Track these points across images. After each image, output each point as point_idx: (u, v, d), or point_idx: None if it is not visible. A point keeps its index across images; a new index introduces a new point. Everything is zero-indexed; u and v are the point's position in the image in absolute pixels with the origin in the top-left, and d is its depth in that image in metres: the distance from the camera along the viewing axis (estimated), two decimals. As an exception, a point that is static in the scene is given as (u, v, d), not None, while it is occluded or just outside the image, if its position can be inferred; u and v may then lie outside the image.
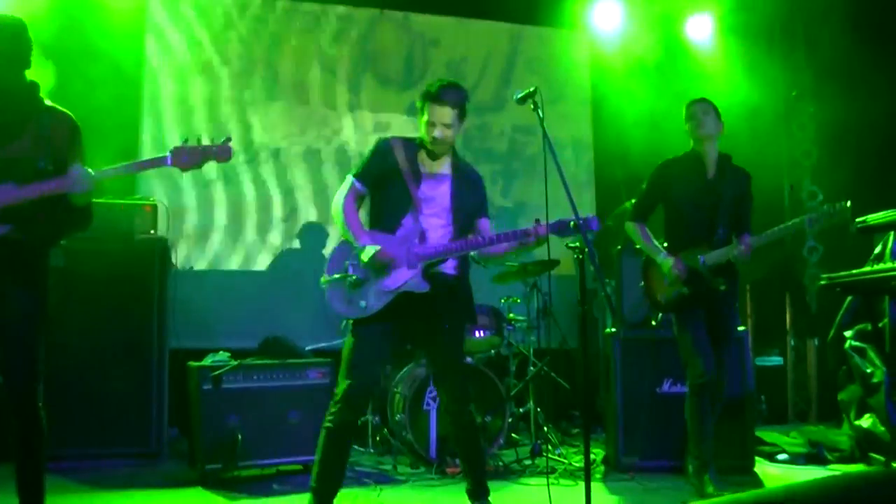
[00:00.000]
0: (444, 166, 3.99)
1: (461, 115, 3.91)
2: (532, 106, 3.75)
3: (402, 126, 7.63)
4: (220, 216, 7.34)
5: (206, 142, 3.45)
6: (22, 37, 3.51)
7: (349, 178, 3.96)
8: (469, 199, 4.01)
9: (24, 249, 3.44)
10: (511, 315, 6.33)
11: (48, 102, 3.60)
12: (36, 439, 3.51)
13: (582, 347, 3.83)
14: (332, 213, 3.98)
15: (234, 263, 7.35)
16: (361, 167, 3.97)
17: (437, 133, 3.85)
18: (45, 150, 3.42)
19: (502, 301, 6.43)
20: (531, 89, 3.78)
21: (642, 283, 4.93)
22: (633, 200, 7.73)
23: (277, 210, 7.44)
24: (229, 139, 3.49)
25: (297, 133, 7.52)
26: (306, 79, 7.68)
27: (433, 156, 3.95)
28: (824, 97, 7.95)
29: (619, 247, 5.92)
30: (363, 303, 3.81)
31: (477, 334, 5.85)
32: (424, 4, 8.06)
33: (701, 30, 8.40)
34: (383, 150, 3.96)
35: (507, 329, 6.10)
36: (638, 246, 4.92)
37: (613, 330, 5.57)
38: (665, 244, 4.82)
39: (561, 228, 3.76)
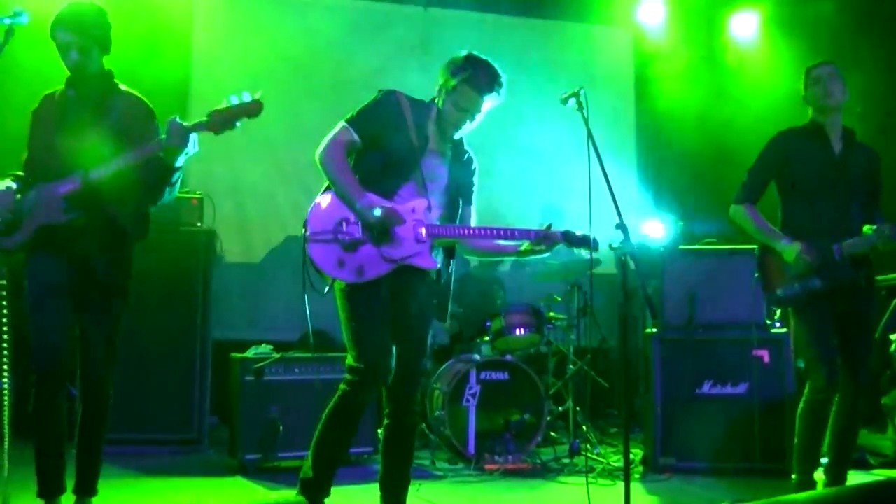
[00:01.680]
0: (447, 146, 3.60)
1: (495, 104, 3.57)
2: (576, 106, 3.73)
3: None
4: (267, 208, 7.42)
5: (235, 101, 3.37)
6: (106, 23, 3.63)
7: (343, 125, 3.45)
8: (462, 184, 3.64)
9: (111, 238, 3.58)
10: (551, 313, 6.33)
11: (123, 87, 3.72)
12: (100, 421, 3.69)
13: (622, 347, 3.82)
14: (319, 161, 3.44)
15: (277, 256, 7.43)
16: (360, 115, 3.46)
17: (469, 122, 3.50)
18: (117, 137, 3.51)
19: (543, 300, 6.43)
20: (576, 89, 3.75)
21: (757, 275, 4.33)
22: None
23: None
24: (258, 95, 3.37)
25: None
26: (351, 76, 7.73)
27: (446, 133, 3.54)
28: (872, 96, 7.81)
29: (661, 247, 5.89)
30: (360, 268, 3.35)
31: (517, 332, 5.85)
32: (469, 2, 8.07)
33: (746, 26, 8.32)
34: (391, 103, 3.48)
35: (546, 327, 6.09)
36: (750, 233, 4.33)
37: (654, 330, 5.53)
38: (781, 230, 4.23)
39: (570, 239, 3.58)
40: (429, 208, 3.45)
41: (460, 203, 3.66)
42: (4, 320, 3.98)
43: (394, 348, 3.46)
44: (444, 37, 8.05)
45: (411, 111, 3.47)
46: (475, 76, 3.41)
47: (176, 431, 5.75)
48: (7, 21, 3.32)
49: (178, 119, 3.40)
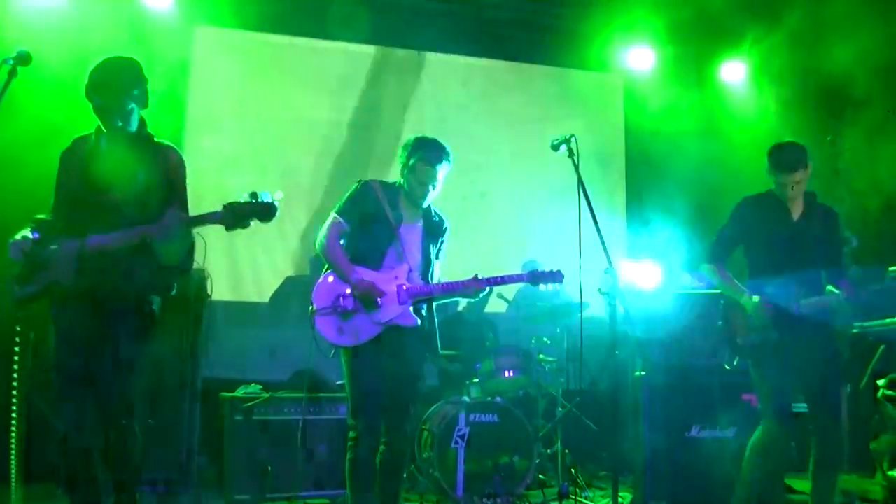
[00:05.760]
0: (419, 214, 4.21)
1: (447, 169, 4.15)
2: (567, 152, 3.80)
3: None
4: (258, 249, 7.44)
5: (250, 198, 3.33)
6: (142, 77, 3.55)
7: (333, 215, 4.11)
8: (434, 245, 4.26)
9: (124, 298, 3.46)
10: (541, 356, 6.34)
11: (157, 140, 3.64)
12: (127, 477, 3.58)
13: (611, 390, 3.84)
14: (318, 250, 4.12)
15: (268, 296, 7.45)
16: (345, 206, 4.12)
17: (430, 190, 4.10)
18: (147, 193, 3.46)
19: (532, 341, 6.45)
20: (567, 136, 3.84)
21: (720, 323, 4.59)
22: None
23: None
24: (275, 197, 3.38)
25: (333, 165, 7.64)
26: (344, 120, 7.81)
27: (416, 205, 4.16)
28: (858, 143, 7.93)
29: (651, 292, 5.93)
30: (356, 332, 3.99)
31: (506, 374, 5.87)
32: (463, 47, 8.19)
33: (734, 74, 8.47)
34: (366, 191, 4.14)
35: (536, 369, 6.10)
36: (718, 289, 4.61)
37: (643, 373, 5.55)
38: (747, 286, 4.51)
39: (533, 277, 4.12)
40: (409, 272, 4.08)
41: (433, 261, 4.23)
42: (16, 370, 3.98)
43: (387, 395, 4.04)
44: (436, 82, 8.15)
45: (385, 194, 4.13)
46: (426, 153, 4.06)
47: (164, 471, 5.69)
48: (10, 62, 3.34)
49: (175, 211, 3.35)
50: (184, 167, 3.67)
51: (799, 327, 4.25)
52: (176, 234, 3.37)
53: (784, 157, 4.32)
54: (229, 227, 3.33)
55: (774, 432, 4.29)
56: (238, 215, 3.31)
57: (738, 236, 4.53)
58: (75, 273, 3.36)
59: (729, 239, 4.56)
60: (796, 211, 4.42)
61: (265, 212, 3.34)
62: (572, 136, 3.86)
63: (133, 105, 3.53)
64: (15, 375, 4.37)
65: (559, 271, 4.13)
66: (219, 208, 3.34)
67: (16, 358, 4.37)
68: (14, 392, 4.39)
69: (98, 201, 3.42)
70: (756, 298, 4.31)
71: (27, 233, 3.48)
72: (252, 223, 3.35)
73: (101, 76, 3.47)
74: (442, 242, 4.32)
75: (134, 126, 3.58)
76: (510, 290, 7.34)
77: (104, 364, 3.45)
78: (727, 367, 5.09)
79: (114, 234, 3.35)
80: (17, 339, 4.41)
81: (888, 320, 5.62)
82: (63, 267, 3.37)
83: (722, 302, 4.59)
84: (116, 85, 3.47)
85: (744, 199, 4.54)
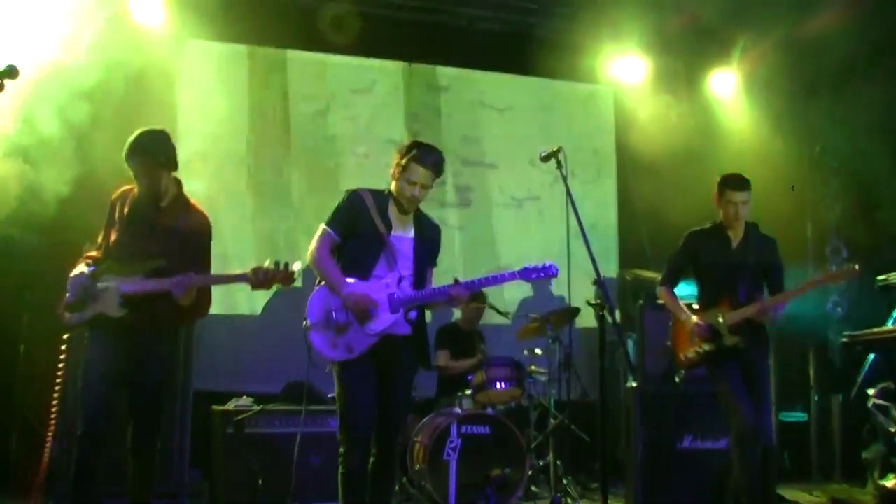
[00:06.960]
0: (409, 222, 4.18)
1: (436, 178, 4.15)
2: (556, 164, 3.83)
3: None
4: (249, 261, 7.40)
5: (273, 266, 3.97)
6: (170, 145, 4.14)
7: (323, 227, 4.10)
8: (427, 253, 4.23)
9: (150, 329, 4.07)
10: (532, 367, 6.34)
11: (190, 200, 4.23)
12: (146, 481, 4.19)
13: (601, 401, 3.86)
14: (310, 263, 4.10)
15: (259, 308, 7.44)
16: (334, 217, 4.12)
17: (415, 192, 4.06)
18: (172, 250, 4.03)
19: (524, 353, 6.45)
20: (555, 148, 3.86)
21: (669, 343, 4.99)
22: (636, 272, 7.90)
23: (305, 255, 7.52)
24: (293, 268, 3.96)
25: (322, 177, 7.65)
26: (334, 133, 7.81)
27: (402, 210, 4.12)
28: (847, 152, 7.98)
29: (641, 301, 5.95)
30: (349, 346, 3.96)
31: (498, 386, 5.87)
32: (453, 58, 8.22)
33: (724, 85, 8.50)
34: (355, 201, 4.12)
35: (527, 381, 6.11)
36: (667, 308, 5.02)
37: (634, 384, 5.57)
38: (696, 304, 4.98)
39: (525, 273, 4.02)
40: (399, 281, 4.04)
41: (427, 268, 4.21)
42: (58, 385, 4.81)
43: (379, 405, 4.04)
44: (425, 93, 8.16)
45: (374, 202, 4.10)
46: (420, 154, 4.03)
47: (156, 484, 5.67)
48: None
49: (192, 275, 3.92)
50: (210, 230, 4.26)
51: (724, 338, 4.71)
52: (191, 293, 3.99)
53: (735, 178, 4.86)
54: (254, 287, 3.97)
55: (745, 420, 4.58)
56: (263, 279, 3.92)
57: (685, 264, 5.05)
58: (118, 306, 3.97)
59: (677, 267, 5.08)
60: (735, 240, 4.89)
61: (286, 279, 3.94)
62: (560, 148, 3.89)
63: (160, 168, 4.09)
64: (57, 388, 5.02)
65: (551, 265, 4.02)
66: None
67: (59, 372, 5.03)
68: (55, 406, 5.04)
69: (142, 249, 4.03)
70: (692, 318, 4.79)
71: (84, 268, 4.10)
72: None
73: (133, 143, 4.05)
74: (436, 249, 4.30)
75: (163, 186, 4.12)
76: (507, 303, 7.34)
77: (141, 377, 4.09)
78: (676, 380, 5.32)
79: (149, 281, 3.99)
80: (62, 358, 5.10)
81: (876, 329, 5.65)
82: (110, 301, 3.99)
83: (669, 322, 5.01)
84: (146, 149, 4.04)
85: (691, 232, 5.03)
